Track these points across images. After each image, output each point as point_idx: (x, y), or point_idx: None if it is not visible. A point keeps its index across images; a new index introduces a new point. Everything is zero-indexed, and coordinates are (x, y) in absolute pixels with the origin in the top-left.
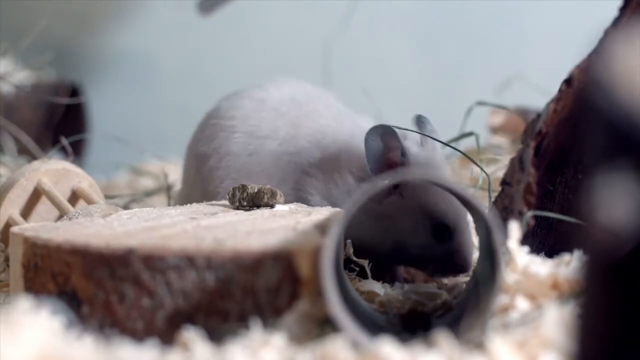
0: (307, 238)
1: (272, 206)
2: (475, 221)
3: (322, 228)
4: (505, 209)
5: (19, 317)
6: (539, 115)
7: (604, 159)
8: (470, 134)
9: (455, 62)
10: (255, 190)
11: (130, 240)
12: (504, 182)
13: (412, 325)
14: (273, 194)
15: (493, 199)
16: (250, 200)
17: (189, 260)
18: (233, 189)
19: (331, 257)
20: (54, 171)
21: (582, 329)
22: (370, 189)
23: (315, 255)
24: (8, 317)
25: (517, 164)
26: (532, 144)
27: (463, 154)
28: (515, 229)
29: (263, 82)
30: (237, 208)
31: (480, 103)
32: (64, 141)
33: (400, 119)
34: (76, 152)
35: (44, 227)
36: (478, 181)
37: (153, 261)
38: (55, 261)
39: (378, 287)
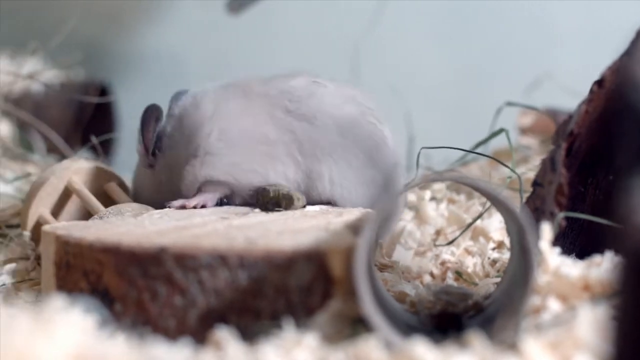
0: (339, 238)
1: (297, 207)
2: (507, 221)
3: (354, 228)
4: (536, 210)
5: (53, 316)
6: (570, 116)
7: (636, 160)
8: (500, 131)
9: (484, 62)
10: (278, 194)
11: (162, 239)
12: (536, 183)
13: (443, 325)
14: (290, 200)
15: (524, 200)
16: (275, 204)
17: (222, 259)
18: (257, 193)
19: (364, 257)
20: (84, 170)
21: (618, 330)
22: (404, 190)
23: (348, 254)
24: (41, 315)
25: (548, 164)
26: (564, 145)
27: (490, 157)
28: (547, 230)
29: None
30: (263, 210)
31: (510, 103)
32: (94, 140)
33: (429, 118)
34: (105, 151)
35: (75, 226)
36: (506, 180)
37: (185, 260)
38: (87, 259)
39: (409, 288)
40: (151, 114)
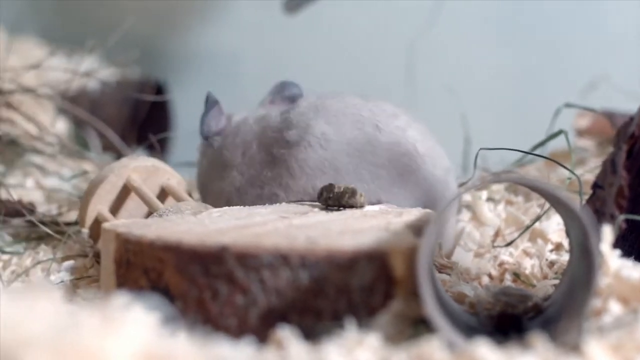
0: (400, 238)
1: (353, 206)
2: (567, 223)
3: (414, 228)
4: (596, 212)
5: (117, 313)
6: (631, 119)
7: None
8: (559, 132)
9: (540, 63)
10: (341, 190)
11: (223, 237)
12: (596, 185)
13: (503, 327)
14: (353, 193)
15: (584, 202)
16: (336, 200)
17: (283, 258)
18: (322, 188)
19: (427, 258)
20: (143, 168)
21: None
22: (461, 192)
23: (410, 255)
24: (105, 312)
25: (609, 167)
26: (625, 147)
27: (549, 159)
28: (607, 233)
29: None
30: (325, 208)
31: (569, 105)
32: (152, 138)
33: (484, 119)
34: (161, 149)
35: (135, 224)
36: (566, 182)
37: (247, 259)
38: (147, 257)
39: (468, 289)
40: (214, 103)
